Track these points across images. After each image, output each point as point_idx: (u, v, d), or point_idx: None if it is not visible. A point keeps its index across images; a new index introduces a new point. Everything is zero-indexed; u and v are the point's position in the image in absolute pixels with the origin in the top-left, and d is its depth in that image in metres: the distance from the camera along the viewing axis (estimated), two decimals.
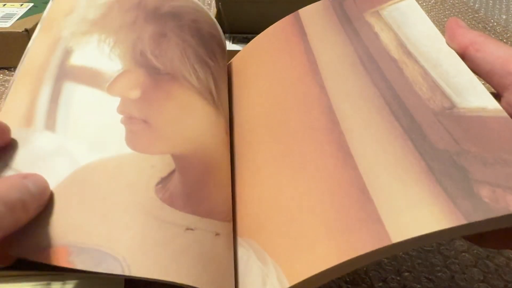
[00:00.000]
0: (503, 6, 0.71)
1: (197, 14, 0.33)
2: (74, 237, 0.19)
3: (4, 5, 0.54)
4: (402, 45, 0.25)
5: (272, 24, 0.33)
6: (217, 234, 0.22)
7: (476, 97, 0.21)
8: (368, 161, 0.21)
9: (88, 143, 0.23)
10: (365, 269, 0.30)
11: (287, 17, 0.32)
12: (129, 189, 0.21)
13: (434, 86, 0.22)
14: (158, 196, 0.22)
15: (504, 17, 0.68)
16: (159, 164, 0.23)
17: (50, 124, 0.23)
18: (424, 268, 0.30)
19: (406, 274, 0.29)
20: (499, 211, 0.17)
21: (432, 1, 0.71)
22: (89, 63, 0.26)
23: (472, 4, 0.71)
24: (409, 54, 0.24)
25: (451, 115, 0.21)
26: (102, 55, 0.26)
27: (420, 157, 0.20)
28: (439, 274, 0.29)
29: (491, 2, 0.72)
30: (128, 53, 0.27)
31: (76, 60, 0.26)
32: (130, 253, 0.19)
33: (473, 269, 0.30)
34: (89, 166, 0.22)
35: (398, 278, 0.29)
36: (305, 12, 0.31)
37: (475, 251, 0.31)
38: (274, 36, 0.32)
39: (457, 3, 0.70)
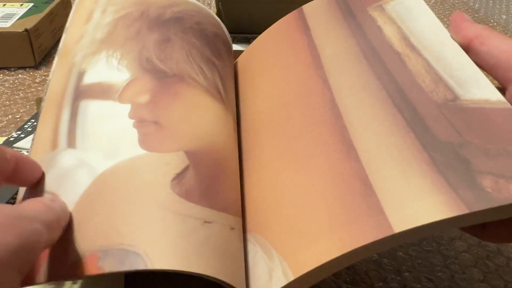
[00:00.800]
0: (503, 6, 0.71)
1: (200, 15, 0.33)
2: (99, 242, 0.20)
3: (4, 5, 0.54)
4: (405, 39, 0.25)
5: (272, 24, 0.33)
6: (232, 228, 0.23)
7: (479, 89, 0.21)
8: (370, 154, 0.21)
9: (103, 152, 0.23)
10: (365, 269, 0.30)
11: (291, 13, 0.32)
12: (145, 187, 0.22)
13: (437, 79, 0.22)
14: (175, 192, 0.22)
15: (504, 17, 0.68)
16: (173, 161, 0.23)
17: (71, 142, 0.24)
18: (424, 268, 0.30)
19: (406, 274, 0.29)
20: (501, 201, 0.17)
21: (432, 1, 0.71)
22: (99, 79, 0.27)
23: (472, 4, 0.71)
24: (412, 47, 0.24)
25: (454, 107, 0.21)
26: (111, 69, 0.27)
27: (422, 149, 0.20)
28: (439, 274, 0.29)
29: (491, 2, 0.72)
30: (135, 62, 0.28)
31: (88, 79, 0.27)
32: (152, 247, 0.20)
33: (473, 269, 0.30)
34: (105, 173, 0.23)
35: (398, 278, 0.29)
36: (308, 7, 0.31)
37: (475, 251, 0.31)
38: (278, 33, 0.32)
39: (457, 3, 0.70)
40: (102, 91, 0.26)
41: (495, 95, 0.20)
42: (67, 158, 0.23)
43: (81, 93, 0.26)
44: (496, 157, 0.18)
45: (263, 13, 0.48)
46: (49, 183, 0.22)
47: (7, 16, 0.51)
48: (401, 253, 0.31)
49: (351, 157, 0.22)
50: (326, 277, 0.29)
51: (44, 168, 0.23)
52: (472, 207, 0.17)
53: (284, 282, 0.20)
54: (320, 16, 0.30)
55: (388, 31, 0.26)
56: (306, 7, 0.32)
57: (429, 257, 0.31)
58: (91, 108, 0.25)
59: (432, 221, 0.18)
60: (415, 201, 0.18)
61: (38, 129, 0.25)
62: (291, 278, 0.20)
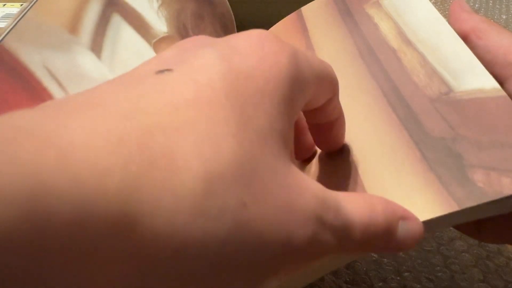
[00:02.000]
0: (503, 6, 0.71)
1: (225, 9, 0.34)
2: None
3: (4, 5, 0.54)
4: (401, 34, 0.25)
5: (273, 24, 0.33)
6: None
7: (474, 78, 0.20)
8: (364, 154, 0.21)
9: None
10: (365, 269, 0.30)
11: (290, 15, 0.32)
12: None
13: (432, 73, 0.22)
14: None
15: (504, 17, 0.68)
16: None
17: (96, 48, 0.23)
18: (424, 268, 0.30)
19: (406, 274, 0.29)
20: (492, 195, 0.17)
21: (432, 1, 0.71)
22: (138, 8, 0.26)
23: (472, 4, 0.71)
24: (408, 42, 0.24)
25: (448, 101, 0.21)
26: (151, 8, 0.27)
27: (415, 147, 0.20)
28: (439, 274, 0.29)
29: (491, 2, 0.72)
30: (173, 20, 0.27)
31: None
32: None
33: (473, 269, 0.30)
34: None
35: (398, 278, 0.29)
36: (307, 8, 0.32)
37: (475, 251, 0.31)
38: (277, 35, 0.32)
39: None
40: (138, 23, 0.25)
41: (490, 83, 0.20)
42: (90, 62, 0.22)
43: (117, 4, 0.25)
44: (488, 149, 0.18)
45: (265, 14, 0.49)
46: (61, 70, 0.20)
47: (7, 16, 0.51)
48: (401, 253, 0.31)
49: (345, 158, 0.22)
50: (323, 275, 0.29)
51: (55, 44, 0.21)
52: (463, 203, 0.17)
53: (277, 283, 0.20)
54: (318, 17, 0.30)
55: (385, 27, 0.26)
56: (305, 9, 0.32)
57: (429, 257, 0.31)
58: (125, 33, 0.24)
59: (421, 220, 0.17)
60: (405, 200, 0.18)
61: None
62: (284, 278, 0.20)
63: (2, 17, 0.50)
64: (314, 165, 0.23)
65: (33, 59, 0.21)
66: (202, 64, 0.14)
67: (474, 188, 0.17)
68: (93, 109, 0.12)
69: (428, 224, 0.17)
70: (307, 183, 0.15)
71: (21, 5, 0.54)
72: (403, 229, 0.16)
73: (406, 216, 0.16)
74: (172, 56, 0.15)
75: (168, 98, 0.13)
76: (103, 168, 0.11)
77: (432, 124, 0.20)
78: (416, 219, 0.17)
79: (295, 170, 0.15)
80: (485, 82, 0.20)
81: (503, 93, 0.19)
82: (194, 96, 0.13)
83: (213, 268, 0.12)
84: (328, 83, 0.18)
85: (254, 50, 0.15)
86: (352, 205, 0.15)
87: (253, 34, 0.16)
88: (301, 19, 0.31)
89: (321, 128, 0.20)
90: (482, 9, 0.70)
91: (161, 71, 0.14)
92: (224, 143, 0.13)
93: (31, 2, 0.23)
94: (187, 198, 0.12)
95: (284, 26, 0.32)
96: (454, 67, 0.22)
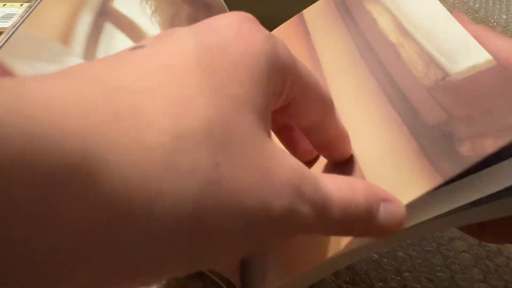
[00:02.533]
0: (503, 6, 0.71)
1: (222, 11, 0.34)
2: None
3: (4, 5, 0.54)
4: (399, 26, 0.25)
5: (276, 26, 0.33)
6: None
7: (468, 55, 0.21)
8: (366, 155, 0.21)
9: None
10: (365, 269, 0.30)
11: (292, 18, 0.32)
12: None
13: (429, 60, 0.22)
14: None
15: (504, 17, 0.68)
16: None
17: (89, 57, 0.23)
18: (424, 268, 0.30)
19: (406, 274, 0.29)
20: (475, 158, 0.17)
21: None
22: (131, 15, 0.26)
23: (472, 4, 0.71)
24: (406, 33, 0.24)
25: (444, 86, 0.21)
26: (144, 14, 0.27)
27: (414, 140, 0.20)
28: (439, 274, 0.29)
29: (491, 2, 0.72)
30: (167, 25, 0.28)
31: (119, 6, 0.26)
32: None
33: (473, 269, 0.30)
34: None
35: (398, 278, 0.29)
36: (308, 11, 0.31)
37: (475, 251, 0.31)
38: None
39: (457, 3, 0.70)
40: (132, 29, 0.26)
41: (483, 56, 0.20)
42: None
43: (109, 13, 0.25)
44: (478, 120, 0.18)
45: (266, 14, 0.48)
46: None
47: (7, 16, 0.51)
48: (401, 253, 0.31)
49: (348, 160, 0.22)
50: (323, 278, 0.29)
51: (47, 56, 0.21)
52: (447, 174, 0.17)
53: (278, 283, 0.20)
54: (319, 19, 0.30)
55: (383, 22, 0.26)
56: (306, 11, 0.32)
57: (429, 257, 0.31)
58: (118, 40, 0.24)
59: (410, 200, 0.17)
60: (402, 194, 0.18)
61: (45, 2, 0.23)
62: (284, 280, 0.20)
63: (2, 17, 0.50)
64: (316, 166, 0.23)
65: (26, 72, 0.21)
66: (174, 38, 0.14)
67: (459, 158, 0.17)
68: (58, 75, 0.12)
69: (417, 206, 0.17)
70: (285, 156, 0.15)
71: (21, 5, 0.54)
72: (385, 212, 0.16)
73: (388, 199, 0.16)
74: (149, 39, 0.16)
75: (138, 66, 0.13)
76: (61, 112, 0.10)
77: (428, 113, 0.20)
78: (398, 202, 0.17)
79: (272, 142, 0.15)
80: (479, 56, 0.20)
81: (494, 62, 0.19)
82: (165, 64, 0.13)
83: (190, 232, 0.12)
84: (316, 95, 0.18)
85: (231, 27, 0.15)
86: (332, 183, 0.15)
87: (233, 14, 0.16)
88: (303, 22, 0.31)
89: (323, 147, 0.20)
90: (482, 9, 0.70)
91: (134, 48, 0.14)
92: (196, 104, 0.13)
93: (23, 16, 0.23)
94: (156, 151, 0.11)
95: (286, 30, 0.32)
96: (449, 48, 0.22)
